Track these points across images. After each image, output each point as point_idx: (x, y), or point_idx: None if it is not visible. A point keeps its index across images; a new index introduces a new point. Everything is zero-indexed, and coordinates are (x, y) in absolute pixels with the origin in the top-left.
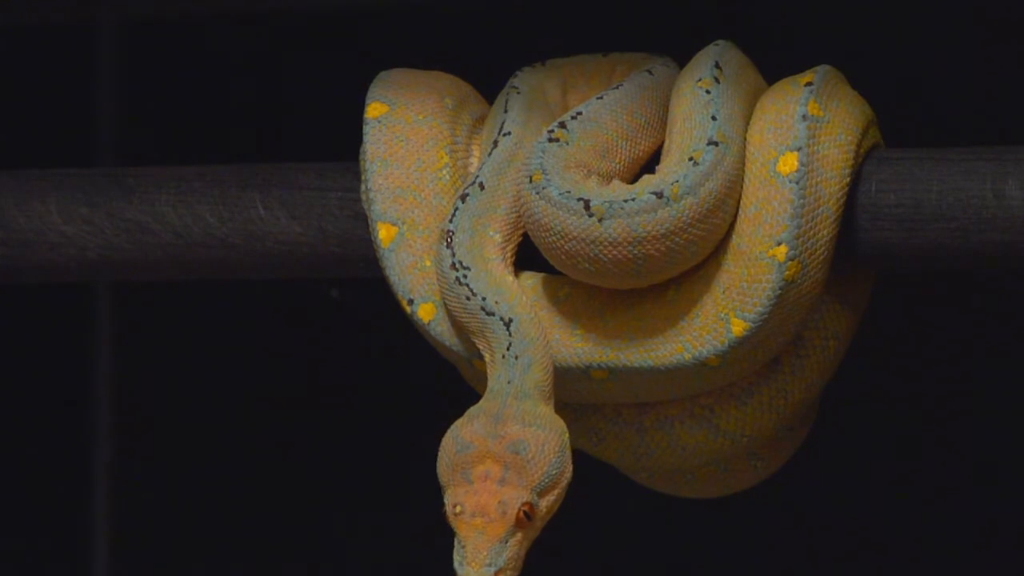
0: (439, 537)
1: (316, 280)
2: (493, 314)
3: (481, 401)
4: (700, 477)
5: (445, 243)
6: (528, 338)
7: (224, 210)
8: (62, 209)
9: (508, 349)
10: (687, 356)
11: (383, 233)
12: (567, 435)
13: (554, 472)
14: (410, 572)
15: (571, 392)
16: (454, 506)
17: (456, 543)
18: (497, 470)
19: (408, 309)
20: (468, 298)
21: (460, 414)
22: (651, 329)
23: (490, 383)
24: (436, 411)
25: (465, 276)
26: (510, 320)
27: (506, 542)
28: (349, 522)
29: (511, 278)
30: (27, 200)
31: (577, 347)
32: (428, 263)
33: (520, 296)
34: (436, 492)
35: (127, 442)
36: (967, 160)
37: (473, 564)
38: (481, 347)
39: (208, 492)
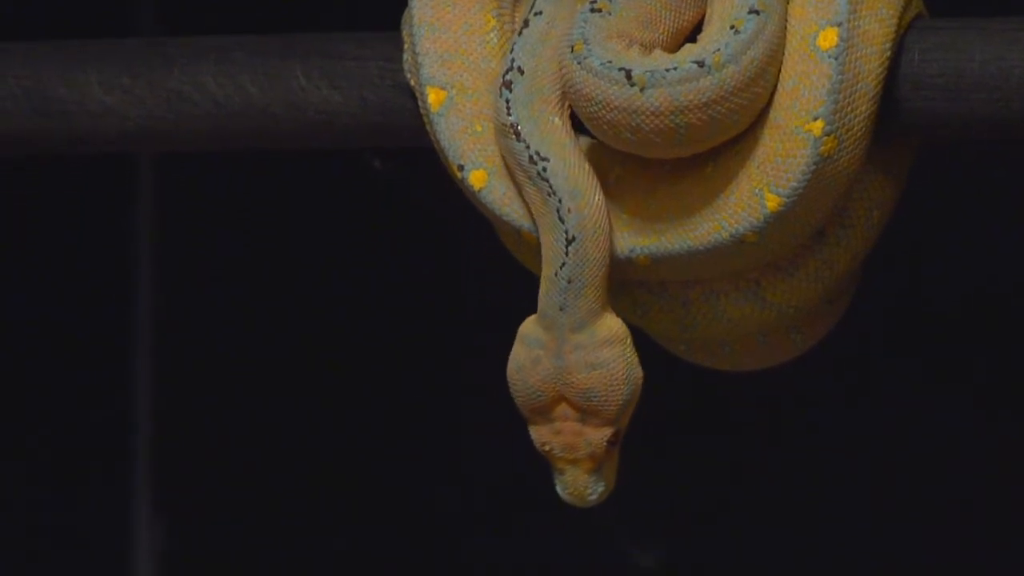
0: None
1: (357, 150)
2: (563, 222)
3: (535, 327)
4: (739, 349)
5: (515, 136)
6: (586, 260)
7: (265, 80)
8: (103, 79)
9: (561, 268)
10: (724, 234)
11: (432, 97)
12: (628, 341)
13: (627, 397)
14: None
15: (617, 272)
16: (542, 444)
17: (554, 471)
18: (573, 410)
19: (458, 175)
20: (549, 195)
21: (509, 294)
22: (690, 209)
23: (542, 302)
24: (484, 287)
25: (545, 169)
26: (573, 238)
27: (601, 468)
28: (392, 410)
29: (587, 165)
30: (68, 70)
31: (622, 231)
32: (479, 128)
33: (593, 195)
34: (489, 384)
35: (167, 325)
36: (1010, 30)
37: (575, 495)
38: (542, 243)
39: (249, 377)
